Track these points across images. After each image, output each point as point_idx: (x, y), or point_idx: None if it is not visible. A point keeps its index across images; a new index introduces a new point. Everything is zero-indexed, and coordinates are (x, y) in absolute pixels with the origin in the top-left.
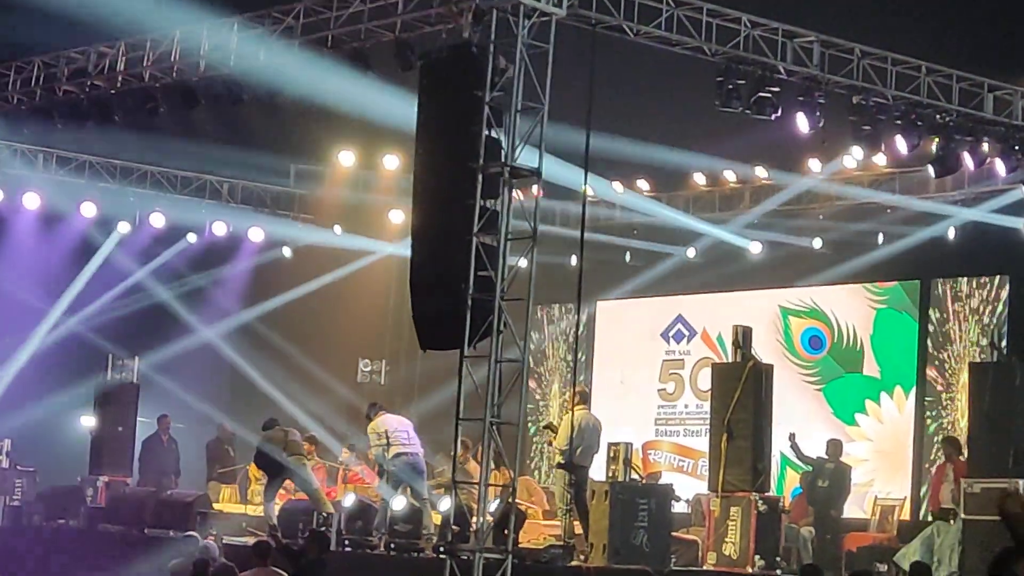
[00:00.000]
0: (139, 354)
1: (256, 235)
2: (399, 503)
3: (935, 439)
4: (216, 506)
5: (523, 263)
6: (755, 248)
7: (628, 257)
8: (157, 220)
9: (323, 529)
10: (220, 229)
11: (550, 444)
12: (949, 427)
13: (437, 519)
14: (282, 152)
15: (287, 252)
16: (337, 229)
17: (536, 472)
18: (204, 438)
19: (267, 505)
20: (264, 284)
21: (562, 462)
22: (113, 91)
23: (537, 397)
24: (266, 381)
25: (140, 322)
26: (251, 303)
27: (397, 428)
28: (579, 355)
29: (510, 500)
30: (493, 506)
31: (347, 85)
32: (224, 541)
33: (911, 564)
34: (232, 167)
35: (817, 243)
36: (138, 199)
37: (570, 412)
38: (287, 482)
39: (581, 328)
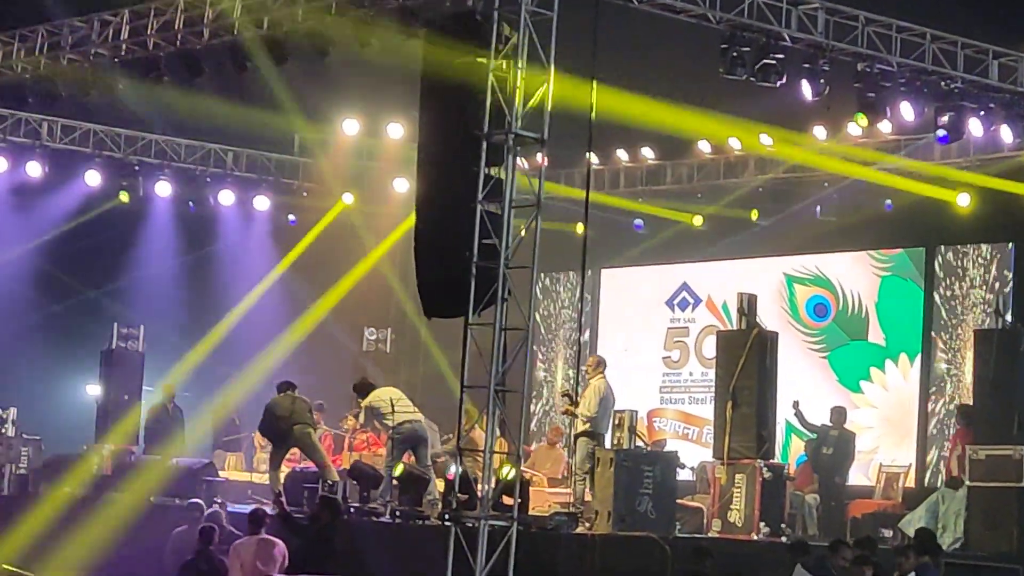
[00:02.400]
0: (145, 322)
1: (261, 204)
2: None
3: (940, 406)
4: (222, 474)
5: (527, 231)
6: (760, 216)
7: (639, 226)
8: (162, 189)
9: (332, 496)
10: (226, 198)
11: (566, 412)
12: (954, 395)
13: (443, 487)
14: (286, 121)
15: (292, 220)
16: (348, 197)
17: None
18: (210, 406)
19: (272, 473)
20: (268, 253)
21: (587, 430)
22: (117, 59)
23: (541, 365)
24: (270, 350)
25: (145, 291)
26: (254, 272)
27: (401, 397)
28: (584, 323)
29: (515, 467)
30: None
31: (351, 53)
32: (229, 509)
33: (916, 530)
34: (237, 136)
35: (821, 211)
36: (142, 168)
37: (596, 379)
38: (295, 450)
39: (586, 296)
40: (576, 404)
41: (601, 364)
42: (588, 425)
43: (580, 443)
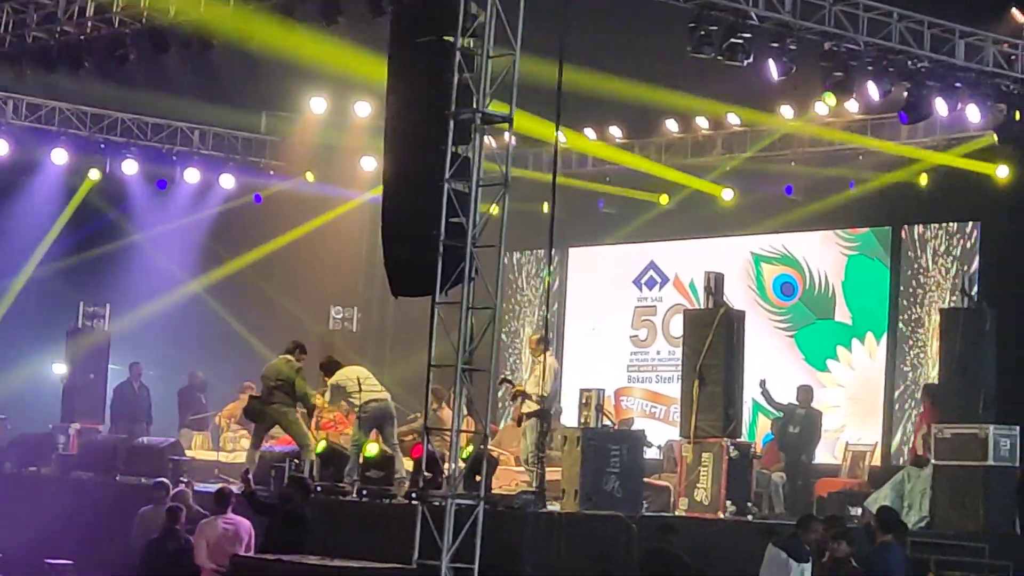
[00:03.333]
0: (111, 301)
1: (227, 182)
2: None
3: (906, 385)
4: (188, 453)
5: (495, 210)
6: (727, 195)
7: (601, 204)
8: (128, 167)
9: (300, 476)
10: (192, 176)
11: (514, 398)
12: (920, 374)
13: (410, 466)
14: (253, 99)
15: (258, 199)
16: (309, 177)
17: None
18: (176, 385)
19: (250, 451)
20: (235, 231)
21: (538, 409)
22: (83, 37)
23: (508, 343)
24: (237, 328)
25: (112, 269)
26: (222, 250)
27: (368, 375)
28: (551, 302)
29: (481, 446)
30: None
31: (318, 31)
32: (196, 488)
33: (878, 509)
34: (203, 114)
35: (789, 190)
36: (108, 146)
37: (544, 358)
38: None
39: (553, 275)
40: (515, 384)
41: (543, 342)
42: (538, 405)
43: (529, 425)
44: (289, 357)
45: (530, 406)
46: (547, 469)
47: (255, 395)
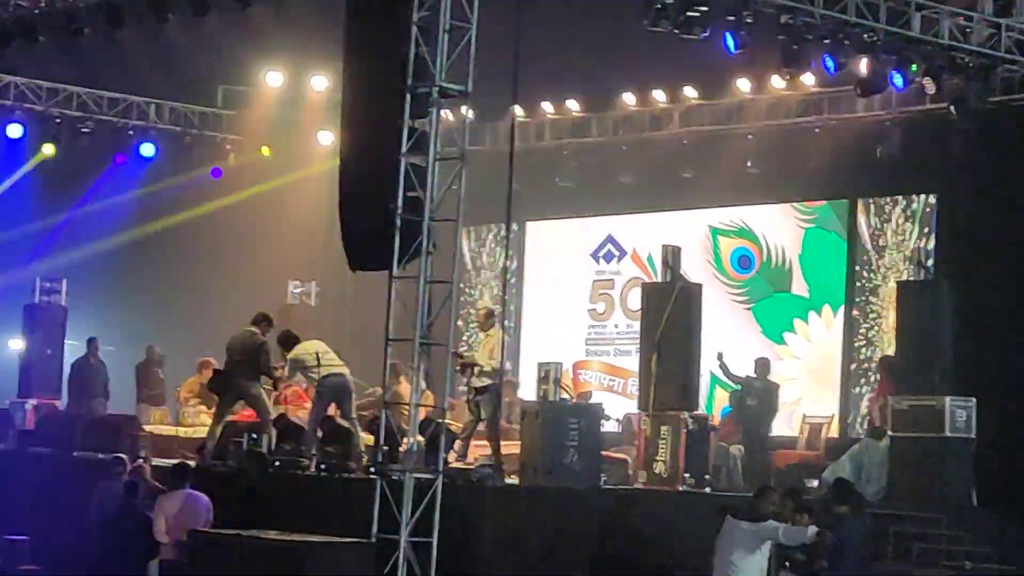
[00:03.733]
0: (67, 277)
1: (183, 156)
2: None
3: (862, 357)
4: (146, 428)
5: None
6: (685, 169)
7: (558, 178)
8: (84, 142)
9: (256, 449)
10: (147, 150)
11: (464, 367)
12: (877, 346)
13: (368, 440)
14: (209, 73)
15: (216, 173)
16: (265, 151)
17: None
18: (133, 360)
19: (213, 426)
20: (193, 206)
21: (489, 384)
22: (37, 11)
23: (466, 317)
24: (195, 303)
25: (70, 245)
26: (179, 225)
27: (327, 350)
28: (508, 276)
29: (440, 420)
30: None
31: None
32: (154, 463)
33: (835, 481)
34: (159, 88)
35: (746, 163)
36: (64, 120)
37: (496, 332)
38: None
39: (511, 249)
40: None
41: (492, 315)
42: (489, 380)
43: (485, 399)
44: (254, 330)
45: (482, 381)
46: (505, 442)
47: (218, 368)
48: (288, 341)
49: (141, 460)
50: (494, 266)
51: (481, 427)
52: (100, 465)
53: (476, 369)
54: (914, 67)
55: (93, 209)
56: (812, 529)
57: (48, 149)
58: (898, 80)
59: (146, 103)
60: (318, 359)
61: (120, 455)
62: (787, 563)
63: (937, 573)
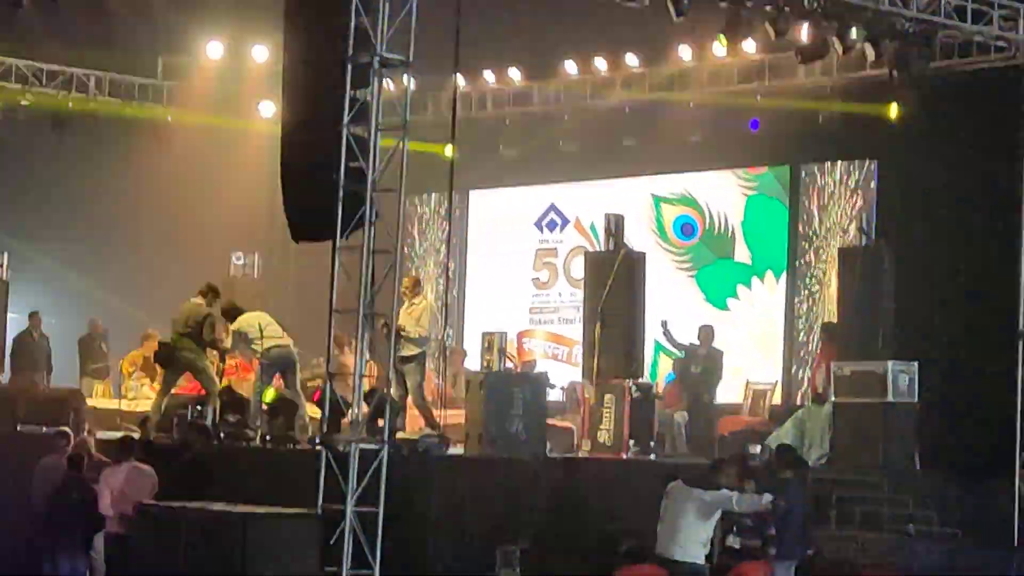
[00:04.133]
0: (9, 250)
1: (125, 126)
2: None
3: (805, 323)
4: (90, 402)
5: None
6: (627, 137)
7: (501, 147)
8: (23, 114)
9: (200, 422)
10: (90, 122)
11: (386, 328)
12: (819, 312)
13: (313, 411)
14: (149, 43)
15: (156, 144)
16: (207, 121)
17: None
18: (76, 334)
19: (158, 398)
20: (132, 177)
21: (416, 353)
22: None
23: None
24: (137, 275)
25: (10, 217)
26: (120, 196)
27: (270, 321)
28: (452, 244)
29: (385, 390)
30: None
31: None
32: (98, 436)
33: (778, 446)
34: (98, 60)
35: (688, 131)
36: (3, 93)
37: (422, 300)
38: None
39: (454, 218)
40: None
41: (419, 284)
42: (417, 348)
43: (411, 369)
44: (200, 301)
45: (410, 349)
46: (451, 411)
47: (164, 341)
48: (231, 313)
49: (85, 434)
50: (437, 236)
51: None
52: (43, 440)
53: (402, 337)
54: (855, 33)
55: (34, 180)
56: (767, 497)
57: None
58: (838, 47)
59: (85, 75)
60: (261, 331)
61: (63, 429)
62: (734, 528)
63: (880, 536)
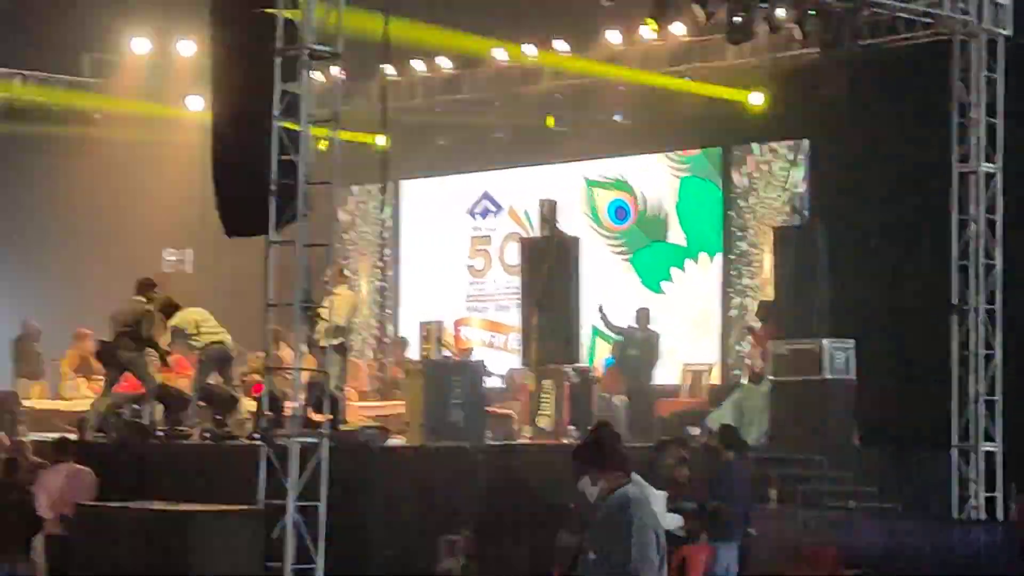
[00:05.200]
0: None
1: (53, 123)
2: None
3: (740, 303)
4: (26, 403)
5: (324, 145)
6: (557, 122)
7: (432, 136)
8: None
9: (138, 420)
10: (16, 119)
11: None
12: (756, 291)
13: (251, 406)
14: (74, 40)
15: (84, 141)
16: (135, 116)
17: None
18: (8, 336)
19: (100, 399)
20: (61, 175)
21: (339, 343)
22: None
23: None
24: (69, 273)
25: None
26: (50, 195)
27: (207, 317)
28: (385, 235)
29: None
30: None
31: None
32: (34, 437)
33: (720, 427)
34: (22, 58)
35: (619, 115)
36: None
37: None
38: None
39: (386, 208)
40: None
41: (342, 275)
42: (338, 339)
43: (335, 359)
44: (140, 299)
45: (329, 339)
46: (391, 402)
47: (104, 340)
48: (168, 310)
49: (20, 436)
50: (370, 227)
51: None
52: None
53: (323, 326)
54: (783, 13)
55: None
56: (678, 520)
57: None
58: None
59: (10, 73)
60: (198, 327)
61: None
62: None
63: (821, 514)
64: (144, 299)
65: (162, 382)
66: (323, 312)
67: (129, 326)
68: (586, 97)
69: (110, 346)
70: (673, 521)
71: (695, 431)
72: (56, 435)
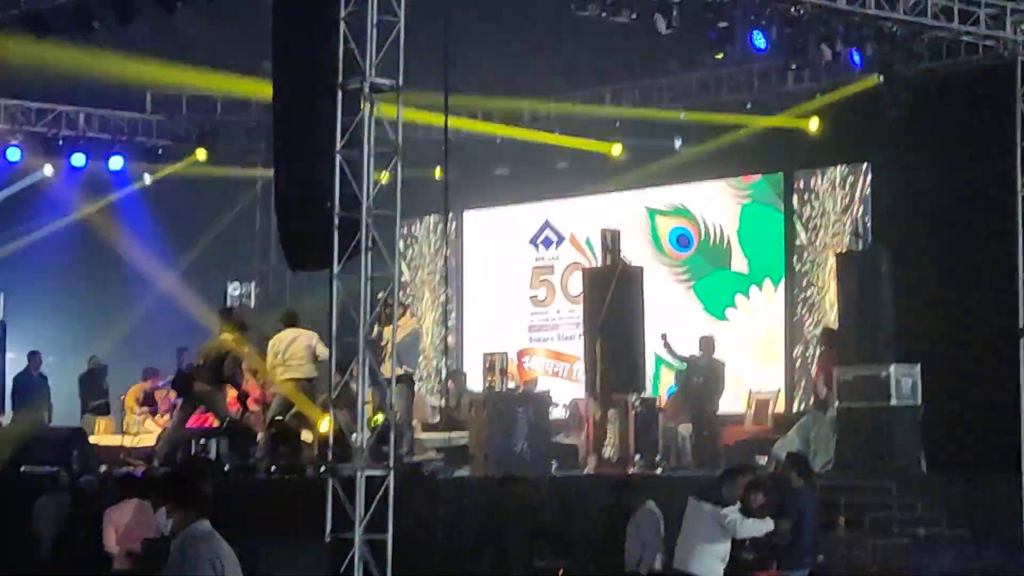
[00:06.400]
0: (5, 290)
1: (116, 163)
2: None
3: (805, 329)
4: (92, 439)
5: (386, 177)
6: (618, 150)
7: (493, 167)
8: (12, 154)
9: (205, 455)
10: (79, 160)
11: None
12: (820, 317)
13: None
14: (137, 79)
15: (147, 179)
16: (200, 154)
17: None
18: (76, 372)
19: (172, 431)
20: (127, 212)
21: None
22: None
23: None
24: (135, 309)
25: (5, 259)
26: (114, 232)
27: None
28: (449, 266)
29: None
30: None
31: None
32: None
33: (788, 455)
34: (86, 97)
35: (679, 142)
36: None
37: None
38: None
39: (449, 239)
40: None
41: (402, 307)
42: (404, 369)
43: (400, 391)
44: (226, 336)
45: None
46: (457, 433)
47: (182, 370)
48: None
49: (89, 472)
50: (433, 259)
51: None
52: (47, 479)
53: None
54: (842, 38)
55: (28, 222)
56: (768, 524)
57: None
58: (826, 52)
59: (74, 112)
60: (286, 361)
61: (54, 470)
62: (745, 542)
63: (890, 541)
64: (230, 336)
65: (232, 417)
66: (385, 344)
67: (210, 363)
68: (646, 124)
69: (187, 377)
70: (763, 526)
71: (761, 461)
72: (124, 470)
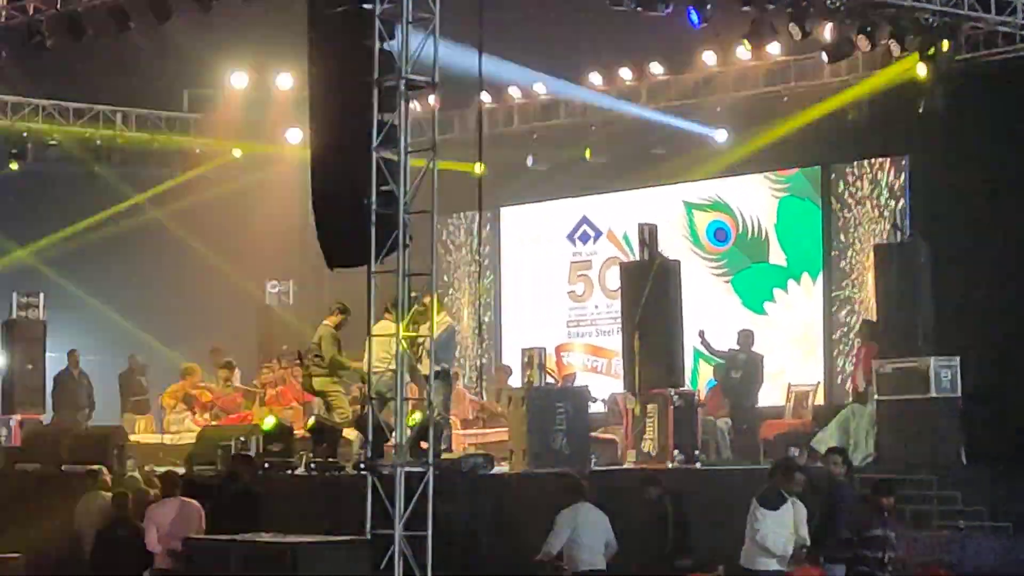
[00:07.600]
0: (44, 289)
1: (155, 161)
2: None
3: (844, 322)
4: (132, 437)
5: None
6: (655, 145)
7: (530, 161)
8: (52, 153)
9: (246, 453)
10: (118, 159)
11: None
12: (859, 310)
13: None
14: (173, 78)
15: (187, 177)
16: (236, 152)
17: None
18: (115, 370)
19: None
20: (163, 211)
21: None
22: None
23: (448, 307)
24: (173, 308)
25: (45, 259)
26: (153, 231)
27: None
28: (485, 262)
29: (427, 412)
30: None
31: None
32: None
33: (827, 449)
34: (124, 96)
35: (718, 136)
36: (31, 134)
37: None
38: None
39: (485, 235)
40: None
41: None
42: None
43: (439, 387)
44: (327, 321)
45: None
46: (496, 429)
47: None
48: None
49: (132, 470)
50: (471, 255)
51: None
52: (87, 478)
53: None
54: (879, 29)
55: (70, 223)
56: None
57: (14, 164)
58: (863, 44)
59: (112, 111)
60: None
61: (93, 468)
62: None
63: (932, 534)
64: (330, 322)
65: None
66: (423, 340)
67: (316, 351)
68: (682, 119)
69: (307, 374)
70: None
71: (795, 452)
72: (164, 468)
